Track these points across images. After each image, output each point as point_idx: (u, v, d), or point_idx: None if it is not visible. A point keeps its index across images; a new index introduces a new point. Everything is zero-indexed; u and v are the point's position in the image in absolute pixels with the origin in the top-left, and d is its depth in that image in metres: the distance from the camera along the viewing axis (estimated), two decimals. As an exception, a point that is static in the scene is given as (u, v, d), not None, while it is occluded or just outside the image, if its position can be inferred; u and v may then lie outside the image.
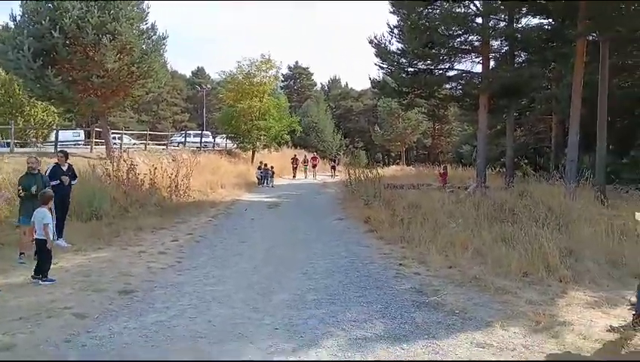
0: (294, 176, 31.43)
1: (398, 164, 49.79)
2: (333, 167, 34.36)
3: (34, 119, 40.53)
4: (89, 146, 22.03)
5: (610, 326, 5.19)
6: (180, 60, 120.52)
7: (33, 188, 7.59)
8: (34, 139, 33.97)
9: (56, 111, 44.63)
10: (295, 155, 34.03)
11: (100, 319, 5.46)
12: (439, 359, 4.40)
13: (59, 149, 10.99)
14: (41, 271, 6.65)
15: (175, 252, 9.05)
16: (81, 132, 37.57)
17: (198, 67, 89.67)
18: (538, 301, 6.05)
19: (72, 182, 9.31)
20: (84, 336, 4.94)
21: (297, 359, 3.85)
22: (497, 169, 29.93)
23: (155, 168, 15.02)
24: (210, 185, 19.51)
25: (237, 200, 18.04)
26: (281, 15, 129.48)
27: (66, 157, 9.40)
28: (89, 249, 8.77)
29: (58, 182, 8.62)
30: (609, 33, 15.22)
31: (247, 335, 4.99)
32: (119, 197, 12.53)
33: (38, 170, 8.22)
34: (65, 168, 9.20)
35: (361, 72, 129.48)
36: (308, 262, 8.38)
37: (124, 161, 14.00)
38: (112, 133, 28.90)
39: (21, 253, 7.67)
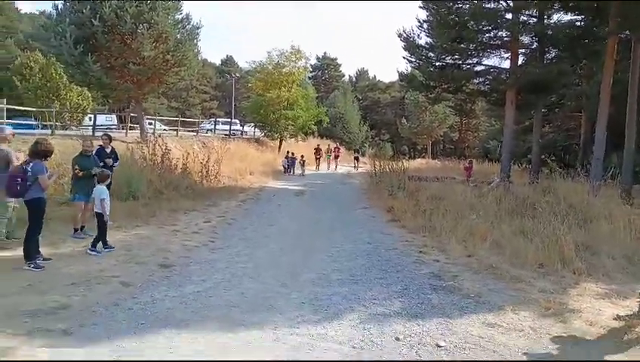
0: (317, 168, 30.31)
1: (423, 157, 49.73)
2: (357, 158, 33.73)
3: (70, 103, 41.93)
4: (124, 130, 22.83)
5: (617, 315, 5.50)
6: (209, 49, 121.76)
7: (95, 169, 8.23)
8: (69, 122, 34.99)
9: (90, 95, 46.06)
10: (318, 145, 32.97)
11: (143, 287, 6.03)
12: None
13: (103, 133, 11.59)
14: (100, 240, 7.31)
15: (208, 232, 9.61)
16: (114, 116, 38.62)
17: (227, 55, 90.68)
18: (550, 290, 6.37)
19: (115, 164, 9.91)
20: (130, 301, 5.51)
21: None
22: (523, 165, 29.75)
23: (188, 154, 15.61)
24: (239, 171, 20.08)
25: (264, 186, 18.59)
26: (311, 7, 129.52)
27: (110, 140, 10.02)
28: (128, 226, 9.37)
29: (102, 164, 9.23)
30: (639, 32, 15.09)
31: (276, 307, 5.48)
32: (154, 180, 13.14)
33: (90, 152, 8.84)
34: (108, 150, 9.81)
35: (388, 64, 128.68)
36: (333, 246, 8.84)
37: (159, 145, 14.61)
38: (145, 118, 29.90)
39: (75, 229, 8.29)
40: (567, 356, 4.43)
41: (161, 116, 48.64)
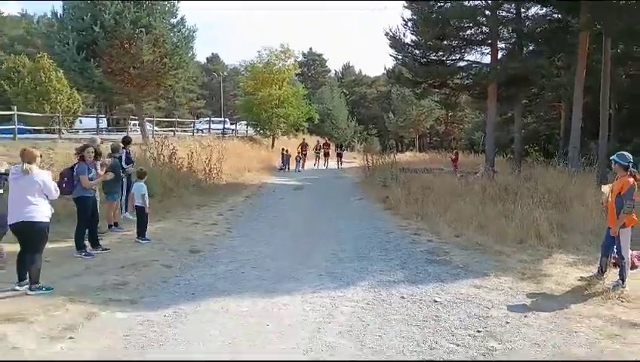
0: (303, 166, 28.07)
1: (411, 150, 50.99)
2: (340, 155, 30.88)
3: (60, 106, 42.38)
4: (124, 132, 23.64)
5: (581, 276, 6.66)
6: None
7: (130, 169, 9.26)
8: (57, 127, 35.45)
9: (79, 98, 46.59)
10: (304, 140, 31.62)
11: (182, 269, 7.07)
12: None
13: (123, 135, 12.53)
14: (142, 232, 8.32)
15: (223, 223, 10.66)
16: (104, 119, 39.16)
17: (212, 53, 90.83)
18: (527, 260, 7.51)
19: (131, 166, 10.78)
20: (175, 279, 6.56)
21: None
22: (507, 155, 31.02)
23: (192, 153, 16.57)
24: (238, 169, 21.07)
25: (264, 183, 19.62)
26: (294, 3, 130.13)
27: (128, 144, 10.96)
28: (151, 221, 10.28)
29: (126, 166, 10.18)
30: (609, 27, 16.30)
31: (299, 278, 6.57)
32: (165, 179, 14.10)
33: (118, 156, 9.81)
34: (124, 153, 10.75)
35: (373, 58, 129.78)
36: (336, 232, 9.94)
37: (167, 146, 15.54)
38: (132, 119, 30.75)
39: (110, 225, 9.28)
40: (538, 306, 5.54)
41: (149, 117, 49.29)
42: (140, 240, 8.44)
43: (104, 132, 30.22)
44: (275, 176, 22.45)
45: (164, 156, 15.11)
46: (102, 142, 9.56)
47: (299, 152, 28.11)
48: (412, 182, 15.36)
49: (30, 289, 5.70)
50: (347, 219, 11.47)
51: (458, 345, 4.48)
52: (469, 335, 4.69)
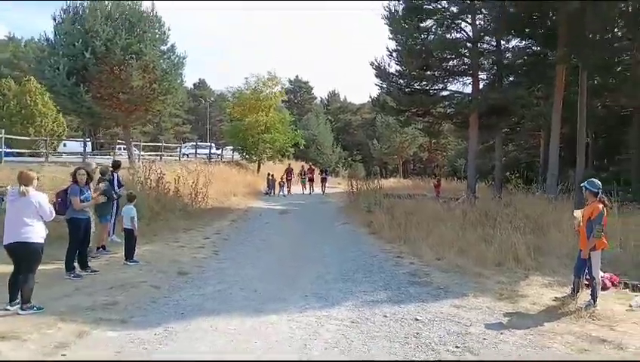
0: (289, 191, 27.94)
1: (395, 176, 51.59)
2: (324, 180, 29.81)
3: (44, 129, 42.29)
4: (110, 156, 23.73)
5: (555, 297, 6.97)
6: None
7: (121, 191, 9.48)
8: (44, 150, 35.36)
9: (64, 122, 46.56)
10: (289, 165, 31.10)
11: (171, 290, 7.22)
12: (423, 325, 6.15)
13: (114, 159, 12.72)
14: (130, 254, 8.46)
15: (210, 246, 10.83)
16: (89, 143, 39.12)
17: (199, 79, 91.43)
18: (505, 282, 7.81)
19: (121, 190, 10.95)
20: (164, 299, 6.71)
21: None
22: (490, 182, 31.65)
23: (179, 177, 16.74)
24: (224, 193, 21.23)
25: (250, 207, 19.81)
26: (282, 28, 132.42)
27: (118, 168, 11.13)
28: (139, 243, 10.32)
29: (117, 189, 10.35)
30: (585, 61, 17.07)
31: (285, 299, 6.77)
32: (152, 203, 14.24)
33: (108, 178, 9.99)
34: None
35: (359, 86, 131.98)
36: (322, 255, 10.18)
37: (154, 171, 15.70)
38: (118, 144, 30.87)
39: (98, 247, 9.40)
40: (514, 324, 5.82)
41: (136, 141, 49.38)
42: (129, 263, 8.59)
43: (89, 156, 30.13)
44: (260, 201, 22.65)
45: (151, 180, 15.24)
46: (97, 167, 9.73)
47: (282, 178, 28.25)
48: (395, 208, 15.69)
49: (22, 308, 5.81)
50: (332, 243, 11.72)
51: (438, 357, 4.72)
52: (448, 351, 4.94)
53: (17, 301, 5.93)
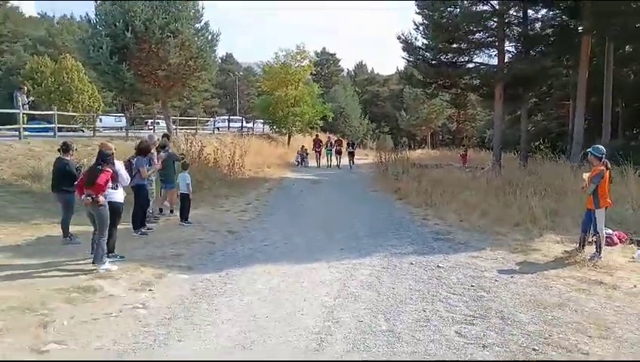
0: (319, 164, 27.90)
1: (423, 147, 51.98)
2: (352, 153, 28.02)
3: (82, 105, 44.06)
4: (152, 129, 25.11)
5: (565, 250, 7.82)
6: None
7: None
8: (80, 124, 36.64)
9: (100, 97, 48.29)
10: (317, 136, 31.12)
11: (224, 244, 8.36)
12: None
13: (163, 133, 13.92)
14: (186, 216, 9.65)
15: (252, 210, 11.98)
16: (123, 118, 40.69)
17: (226, 53, 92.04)
18: (521, 239, 8.68)
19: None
20: (221, 252, 7.84)
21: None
22: (519, 152, 31.93)
23: (218, 149, 17.89)
24: (258, 164, 22.36)
25: (284, 177, 20.91)
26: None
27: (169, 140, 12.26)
28: (188, 208, 11.67)
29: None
30: (610, 31, 17.32)
31: (325, 251, 7.83)
32: (194, 173, 15.39)
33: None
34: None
35: (386, 56, 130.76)
36: (354, 216, 11.19)
37: (195, 143, 16.88)
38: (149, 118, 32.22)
39: (171, 210, 10.69)
40: (523, 270, 6.73)
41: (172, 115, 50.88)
42: (184, 223, 9.76)
43: (123, 130, 31.47)
44: (292, 172, 23.70)
45: (193, 152, 16.41)
46: (158, 140, 10.89)
47: (308, 149, 28.92)
48: (422, 176, 16.55)
49: (108, 256, 6.98)
50: (362, 207, 12.71)
51: (454, 294, 5.71)
52: (464, 288, 5.91)
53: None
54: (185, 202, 9.85)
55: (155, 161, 9.22)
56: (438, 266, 6.87)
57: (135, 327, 4.77)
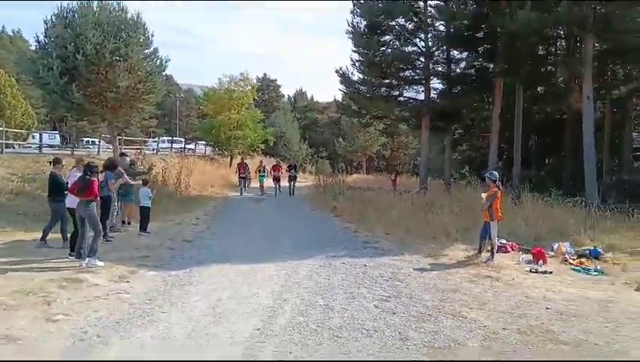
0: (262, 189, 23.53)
1: (359, 172, 54.43)
2: (293, 177, 24.27)
3: (14, 122, 43.12)
4: (96, 149, 25.54)
5: (467, 255, 9.67)
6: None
7: (142, 177, 11.72)
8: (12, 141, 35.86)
9: (34, 114, 47.28)
10: (261, 161, 26.60)
11: (182, 250, 9.60)
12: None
13: (120, 152, 14.85)
14: (145, 226, 10.74)
15: (202, 223, 13.21)
16: (57, 136, 40.37)
17: (166, 75, 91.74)
18: (434, 247, 10.45)
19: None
20: (181, 256, 9.08)
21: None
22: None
23: (165, 168, 18.90)
24: (202, 184, 23.41)
25: (227, 196, 22.11)
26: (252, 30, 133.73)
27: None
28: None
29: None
30: (517, 75, 20.12)
31: (271, 255, 9.22)
32: (145, 190, 16.36)
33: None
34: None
35: (325, 85, 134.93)
36: (295, 230, 12.69)
37: (146, 163, 17.82)
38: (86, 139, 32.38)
39: (123, 222, 11.63)
40: (432, 269, 8.44)
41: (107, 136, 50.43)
42: (143, 233, 10.84)
43: (57, 148, 31.29)
44: (236, 192, 24.86)
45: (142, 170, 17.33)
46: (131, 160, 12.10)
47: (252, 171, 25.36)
48: (356, 197, 18.35)
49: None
50: (302, 222, 14.25)
51: (375, 283, 7.30)
52: (384, 279, 7.54)
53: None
54: (145, 214, 10.95)
55: (126, 177, 10.30)
56: (364, 265, 8.48)
57: (123, 305, 5.98)
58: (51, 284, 6.49)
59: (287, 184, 24.00)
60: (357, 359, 4.64)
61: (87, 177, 7.60)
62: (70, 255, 8.23)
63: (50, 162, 9.60)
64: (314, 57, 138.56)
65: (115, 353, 4.61)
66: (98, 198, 7.91)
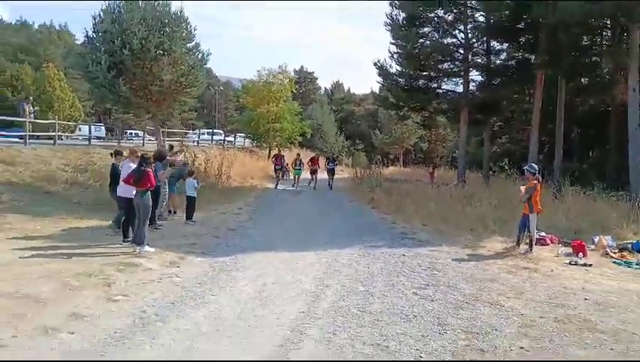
0: (297, 182, 23.33)
1: (395, 165, 54.29)
2: (331, 171, 23.75)
3: (62, 114, 44.86)
4: (140, 141, 26.49)
5: (505, 247, 9.74)
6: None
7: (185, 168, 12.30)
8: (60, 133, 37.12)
9: (81, 106, 49.10)
10: (298, 154, 25.05)
11: (227, 238, 10.03)
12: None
13: (168, 145, 15.57)
14: (190, 215, 11.26)
15: (245, 213, 13.66)
16: (102, 128, 41.83)
17: (206, 68, 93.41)
18: (472, 239, 10.55)
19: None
20: (226, 243, 9.50)
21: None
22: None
23: (208, 160, 19.50)
24: (242, 175, 23.99)
25: (267, 187, 22.60)
26: (288, 18, 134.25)
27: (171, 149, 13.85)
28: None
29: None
30: (559, 67, 19.70)
31: (311, 244, 9.55)
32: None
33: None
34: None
35: (362, 77, 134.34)
36: (333, 221, 13.00)
37: (188, 154, 18.44)
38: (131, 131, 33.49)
39: (170, 211, 12.18)
40: (470, 259, 8.57)
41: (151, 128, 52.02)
42: (189, 222, 11.34)
43: (103, 140, 32.54)
44: (274, 183, 25.38)
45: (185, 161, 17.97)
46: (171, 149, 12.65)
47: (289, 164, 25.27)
48: (393, 189, 18.48)
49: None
50: (340, 213, 14.55)
51: (414, 272, 7.52)
52: (422, 268, 7.75)
53: (129, 238, 8.70)
54: (191, 203, 11.46)
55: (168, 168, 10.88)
56: (403, 255, 8.69)
57: (176, 288, 6.41)
58: (110, 268, 6.98)
59: (326, 177, 23.72)
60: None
61: (142, 168, 8.08)
62: (124, 241, 8.75)
63: (111, 154, 10.25)
64: (350, 45, 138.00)
65: (173, 330, 5.00)
66: (153, 188, 8.37)
